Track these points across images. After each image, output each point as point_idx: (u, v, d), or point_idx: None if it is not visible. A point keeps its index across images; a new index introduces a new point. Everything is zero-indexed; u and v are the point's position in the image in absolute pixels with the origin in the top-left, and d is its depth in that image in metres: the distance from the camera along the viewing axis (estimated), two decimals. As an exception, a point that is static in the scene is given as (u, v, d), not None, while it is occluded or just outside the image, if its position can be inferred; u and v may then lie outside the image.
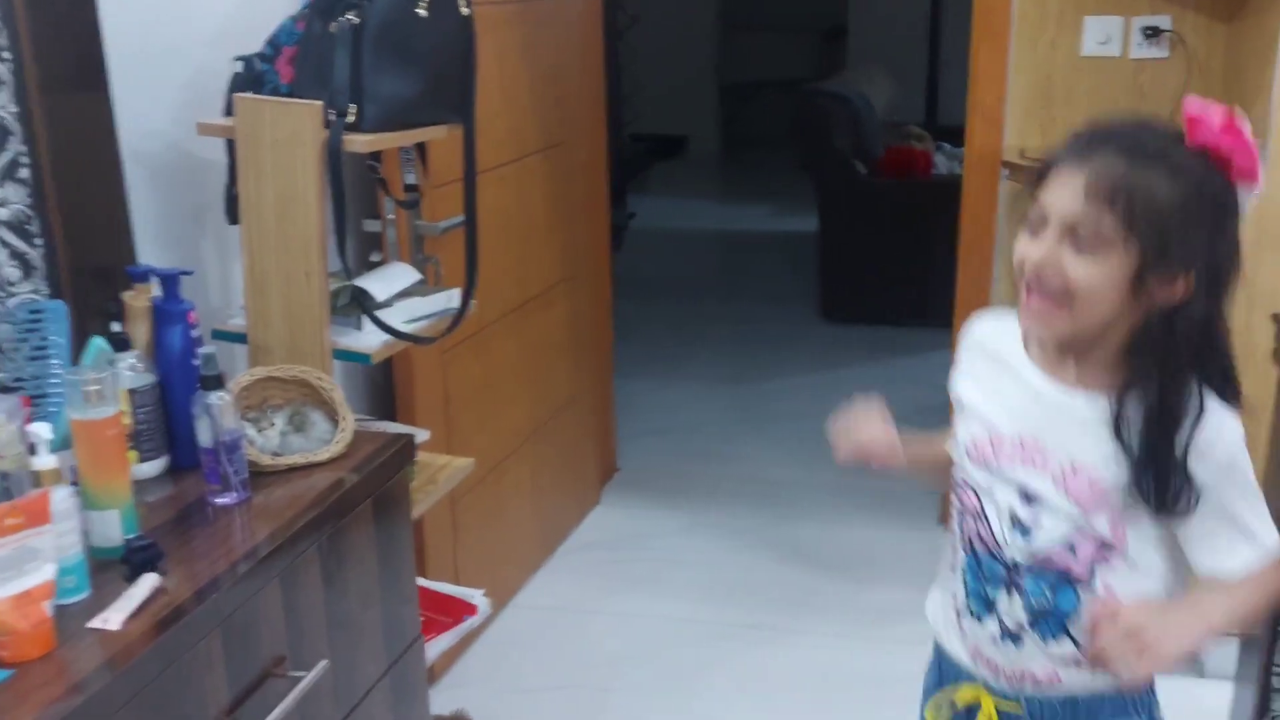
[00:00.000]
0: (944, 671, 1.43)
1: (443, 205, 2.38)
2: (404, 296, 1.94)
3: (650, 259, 6.19)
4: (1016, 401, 1.30)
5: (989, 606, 1.33)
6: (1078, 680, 1.31)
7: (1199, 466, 1.19)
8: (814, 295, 5.29)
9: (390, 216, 2.36)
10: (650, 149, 7.63)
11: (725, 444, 3.95)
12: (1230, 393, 1.22)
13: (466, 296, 1.96)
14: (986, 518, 1.32)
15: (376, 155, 2.17)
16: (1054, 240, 1.18)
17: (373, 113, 1.74)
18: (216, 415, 1.48)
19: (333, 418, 1.69)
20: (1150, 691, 1.37)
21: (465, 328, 2.66)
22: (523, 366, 2.96)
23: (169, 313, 1.59)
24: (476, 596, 2.20)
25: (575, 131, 3.17)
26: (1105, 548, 1.26)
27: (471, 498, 2.74)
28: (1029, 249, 1.20)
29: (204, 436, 1.49)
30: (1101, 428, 1.22)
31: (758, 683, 2.64)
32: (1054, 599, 1.28)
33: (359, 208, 2.44)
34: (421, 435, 2.07)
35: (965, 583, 1.35)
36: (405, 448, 1.72)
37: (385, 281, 1.87)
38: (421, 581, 2.24)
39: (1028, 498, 1.28)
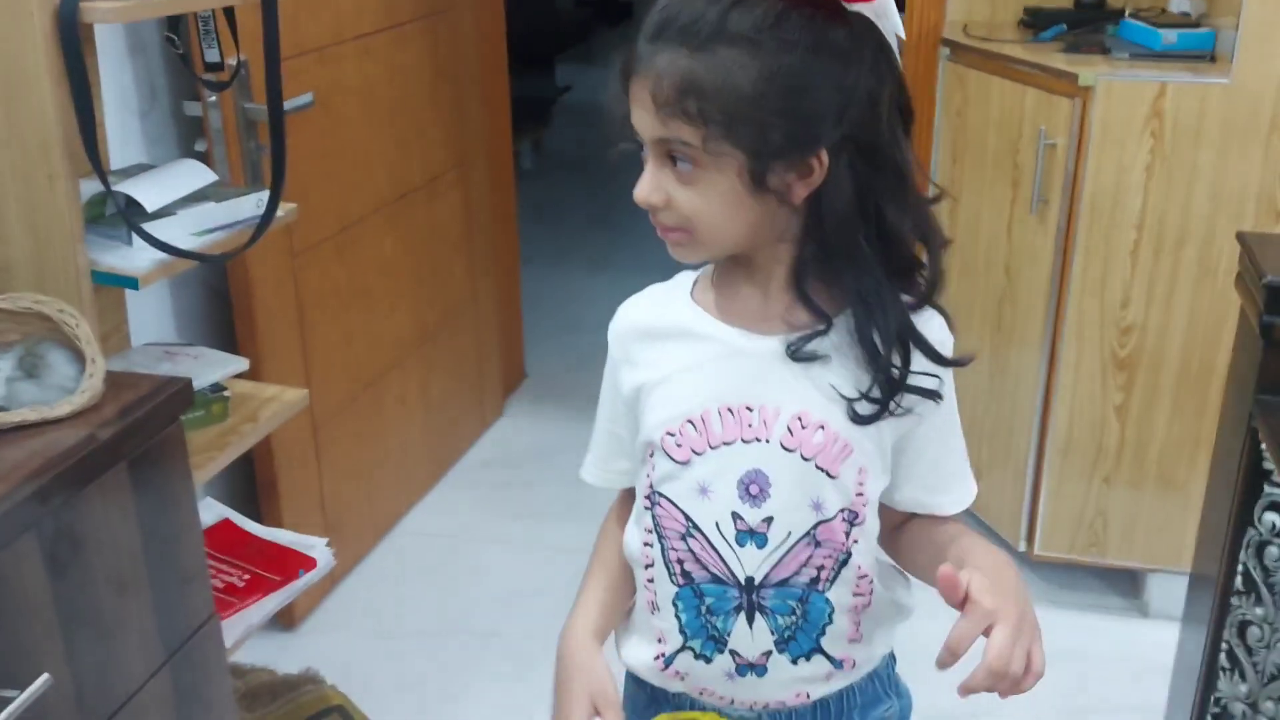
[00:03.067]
0: (656, 694, 1.14)
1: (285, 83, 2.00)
2: (197, 201, 1.58)
3: (582, 138, 5.76)
4: (709, 370, 1.04)
5: (719, 643, 1.06)
6: (828, 689, 1.10)
7: (921, 367, 1.00)
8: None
9: (213, 99, 1.99)
10: (592, 14, 7.11)
11: (649, 345, 3.63)
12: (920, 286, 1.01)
13: (274, 199, 1.60)
14: (701, 533, 1.04)
15: (175, 24, 1.79)
16: (654, 168, 0.97)
17: (122, -31, 1.36)
18: (-110, 369, 1.14)
19: (81, 360, 1.35)
20: (890, 661, 1.15)
21: (323, 227, 2.31)
22: (403, 267, 2.61)
23: None
24: (318, 547, 1.89)
25: (465, -5, 2.76)
26: (850, 522, 1.03)
27: (340, 421, 2.42)
28: (639, 183, 0.98)
29: (-121, 394, 1.16)
30: (802, 361, 1.00)
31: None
32: (804, 613, 1.05)
33: (178, 87, 2.06)
34: (237, 364, 1.74)
35: (679, 621, 1.07)
36: (180, 393, 1.39)
37: (161, 185, 1.51)
38: (256, 530, 1.95)
39: (750, 488, 1.02)
